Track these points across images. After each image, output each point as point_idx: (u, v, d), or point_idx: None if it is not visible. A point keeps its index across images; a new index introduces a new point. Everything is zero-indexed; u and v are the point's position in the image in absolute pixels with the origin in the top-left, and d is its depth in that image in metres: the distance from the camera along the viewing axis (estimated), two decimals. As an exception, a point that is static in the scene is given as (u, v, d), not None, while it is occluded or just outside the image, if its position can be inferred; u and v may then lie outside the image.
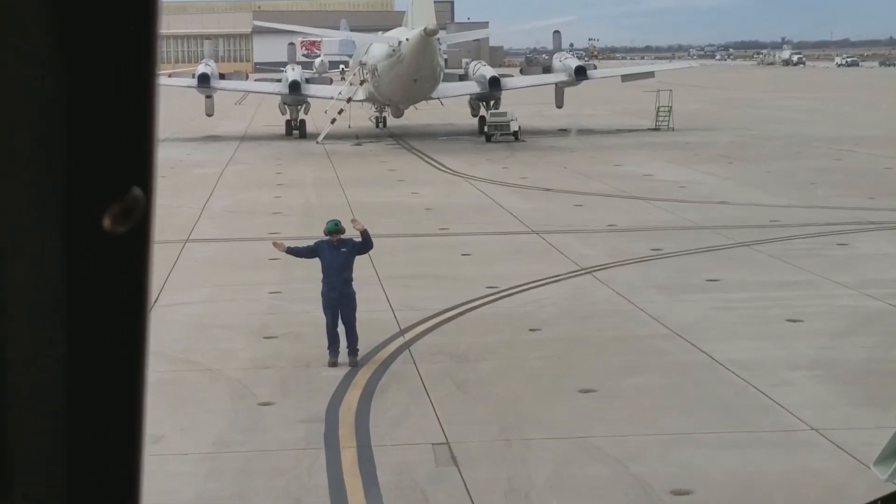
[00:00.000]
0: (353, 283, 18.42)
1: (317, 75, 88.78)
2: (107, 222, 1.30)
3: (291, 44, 77.72)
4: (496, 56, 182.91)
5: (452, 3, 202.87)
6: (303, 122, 62.11)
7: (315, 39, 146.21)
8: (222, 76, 65.93)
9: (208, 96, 63.59)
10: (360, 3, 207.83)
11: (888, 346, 18.81)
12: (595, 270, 24.98)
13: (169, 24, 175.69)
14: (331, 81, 73.51)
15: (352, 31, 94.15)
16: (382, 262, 24.03)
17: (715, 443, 14.24)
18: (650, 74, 70.18)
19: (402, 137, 61.06)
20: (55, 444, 1.36)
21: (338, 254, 18.26)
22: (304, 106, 62.47)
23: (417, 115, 65.63)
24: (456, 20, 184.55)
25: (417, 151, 53.82)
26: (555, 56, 67.70)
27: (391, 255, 25.42)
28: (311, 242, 19.08)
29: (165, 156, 48.39)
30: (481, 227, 31.13)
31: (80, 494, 1.39)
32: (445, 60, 65.56)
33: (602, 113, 76.12)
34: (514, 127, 57.70)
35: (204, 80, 62.37)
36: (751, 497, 12.84)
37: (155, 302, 20.83)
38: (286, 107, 62.78)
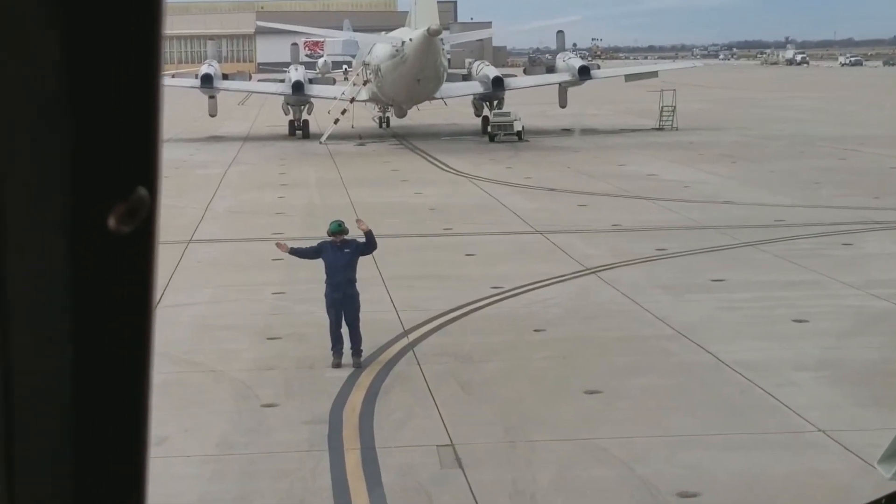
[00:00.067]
0: (357, 284, 18.36)
1: (320, 76, 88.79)
2: (112, 222, 1.30)
3: (294, 44, 77.84)
4: (499, 56, 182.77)
5: (455, 3, 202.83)
6: (306, 122, 62.07)
7: (318, 40, 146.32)
8: (225, 77, 65.89)
9: (211, 97, 63.54)
10: (364, 4, 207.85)
11: (895, 347, 18.73)
12: (599, 270, 24.90)
13: (172, 24, 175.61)
14: (334, 82, 73.58)
15: (355, 31, 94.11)
16: (386, 262, 23.96)
17: (721, 444, 14.16)
18: (654, 74, 70.06)
19: (406, 138, 60.99)
20: (60, 445, 1.36)
21: (341, 254, 18.19)
22: (307, 106, 62.44)
23: (421, 116, 65.58)
24: (459, 20, 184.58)
25: (421, 151, 53.76)
26: (558, 56, 67.63)
27: (395, 255, 25.36)
28: (315, 243, 19.02)
29: (168, 156, 48.23)
30: (485, 228, 31.06)
31: (86, 495, 1.39)
32: (449, 60, 65.53)
33: (606, 113, 76.04)
34: (517, 127, 57.62)
35: (207, 80, 62.34)
36: (758, 499, 12.77)
37: (158, 303, 20.76)
38: (289, 107, 62.73)
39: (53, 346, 1.33)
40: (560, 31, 70.74)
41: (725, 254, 26.79)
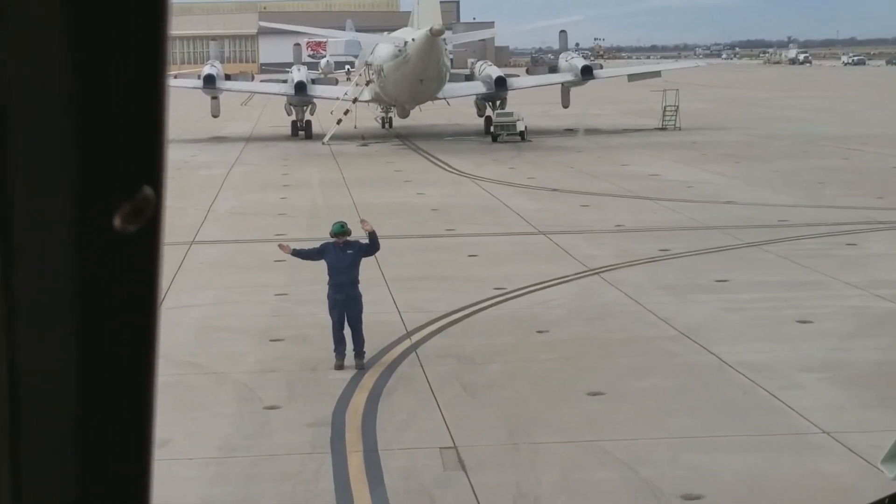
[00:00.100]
0: (360, 285, 18.31)
1: (322, 76, 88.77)
2: (117, 221, 1.30)
3: (297, 44, 77.96)
4: (502, 56, 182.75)
5: (458, 3, 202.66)
6: (309, 122, 62.04)
7: (321, 40, 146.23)
8: (228, 77, 65.91)
9: (214, 97, 63.53)
10: (366, 4, 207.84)
11: (899, 348, 18.66)
12: (603, 271, 24.84)
13: (174, 24, 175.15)
14: (336, 82, 73.50)
15: (357, 31, 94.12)
16: (389, 263, 23.90)
17: (725, 446, 14.11)
18: (657, 74, 69.99)
19: (408, 138, 60.95)
20: (66, 445, 1.36)
21: (344, 255, 18.15)
22: (309, 107, 62.41)
23: (423, 116, 65.55)
24: (461, 20, 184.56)
25: (423, 152, 53.71)
26: (561, 56, 67.63)
27: (397, 256, 25.29)
28: (318, 244, 18.98)
29: (171, 157, 47.98)
30: (488, 228, 31.02)
31: (91, 497, 1.39)
32: (451, 60, 65.51)
33: (608, 112, 75.96)
34: (520, 127, 57.56)
35: (209, 81, 62.32)
36: (762, 501, 12.72)
37: (161, 300, 20.71)
38: (292, 107, 62.72)
39: (59, 346, 1.33)
40: (563, 31, 70.80)
41: (729, 254, 26.73)
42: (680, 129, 62.09)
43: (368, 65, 61.80)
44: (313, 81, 64.87)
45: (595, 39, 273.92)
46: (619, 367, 17.55)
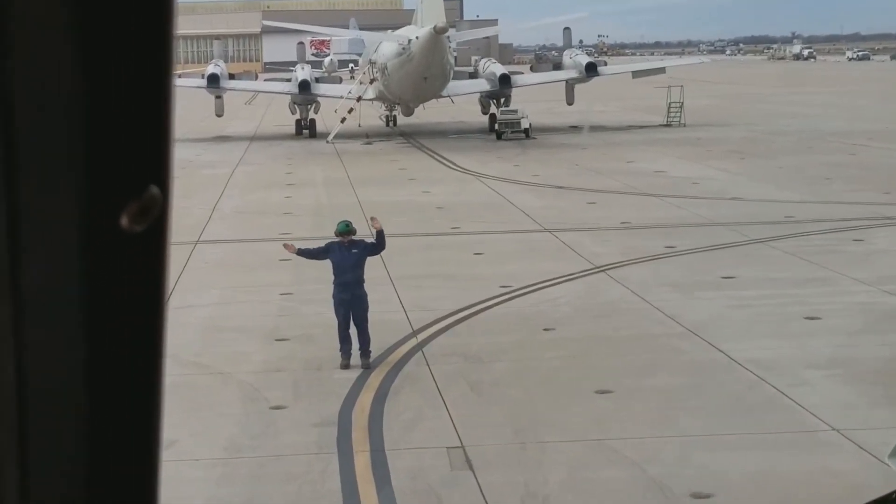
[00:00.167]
0: (365, 284, 18.24)
1: (326, 74, 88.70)
2: (124, 221, 1.30)
3: (301, 43, 77.64)
4: (505, 53, 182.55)
5: (461, 0, 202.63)
6: (313, 121, 61.95)
7: (324, 39, 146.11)
8: (232, 76, 65.80)
9: (218, 96, 63.47)
10: (370, 2, 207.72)
11: (908, 344, 18.56)
12: (609, 268, 24.75)
13: (179, 24, 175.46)
14: (340, 80, 73.42)
15: (361, 29, 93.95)
16: (394, 261, 23.82)
17: (734, 444, 14.01)
18: (661, 70, 69.85)
19: (413, 136, 60.87)
20: (74, 445, 1.36)
21: (349, 255, 18.07)
22: (314, 105, 62.33)
23: (427, 114, 65.45)
24: (465, 18, 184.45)
25: (428, 150, 53.63)
26: (565, 53, 67.48)
27: (403, 254, 25.21)
28: (323, 243, 18.91)
29: (175, 156, 47.86)
30: (493, 226, 30.93)
31: (99, 497, 1.39)
32: (455, 58, 65.37)
33: (613, 109, 75.83)
34: (524, 124, 57.45)
35: (213, 80, 62.23)
36: (772, 499, 12.63)
37: (167, 304, 20.64)
38: (296, 106, 62.65)
39: (66, 346, 1.33)
40: (567, 28, 70.64)
41: (735, 251, 26.62)
42: (685, 125, 61.98)
43: (372, 63, 61.72)
44: (317, 80, 64.80)
45: (599, 36, 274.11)
46: (627, 365, 17.47)
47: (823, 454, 13.77)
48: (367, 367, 17.63)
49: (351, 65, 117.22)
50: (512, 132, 57.19)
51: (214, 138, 61.71)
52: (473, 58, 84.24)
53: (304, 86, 60.83)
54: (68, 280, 1.31)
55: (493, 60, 67.63)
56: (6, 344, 1.31)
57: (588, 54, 73.02)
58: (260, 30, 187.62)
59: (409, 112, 62.00)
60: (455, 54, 66.58)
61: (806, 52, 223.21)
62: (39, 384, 1.33)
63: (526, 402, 15.79)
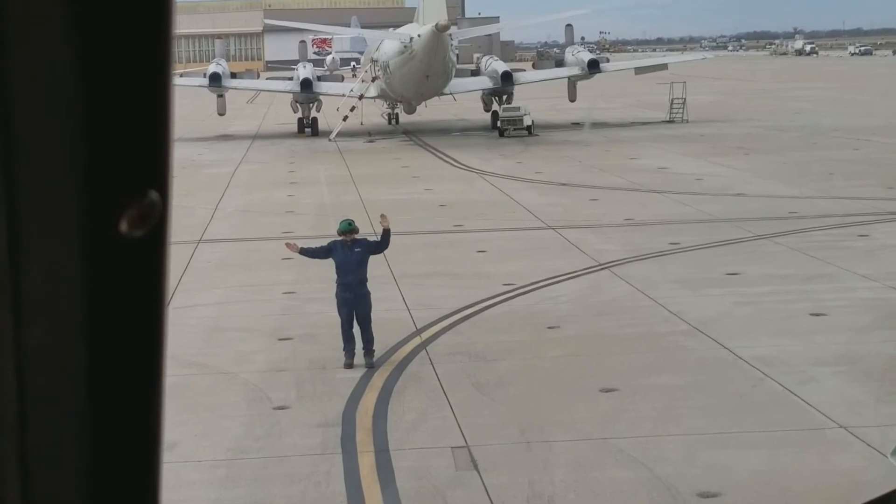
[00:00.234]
0: (368, 283, 18.13)
1: (328, 73, 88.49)
2: (124, 226, 1.31)
3: (302, 42, 77.60)
4: (507, 50, 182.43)
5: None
6: (315, 119, 61.86)
7: (326, 37, 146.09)
8: (234, 75, 65.70)
9: (220, 95, 63.39)
10: (371, 0, 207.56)
11: (915, 340, 18.43)
12: (613, 266, 24.63)
13: (180, 23, 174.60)
14: (342, 79, 73.25)
15: (363, 27, 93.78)
16: (397, 260, 23.71)
17: (741, 442, 13.89)
18: (663, 67, 69.80)
19: (415, 134, 60.77)
20: (74, 449, 1.37)
21: (352, 253, 17.96)
22: (316, 104, 62.25)
23: (430, 112, 65.31)
24: (466, 15, 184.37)
25: (431, 148, 53.52)
26: (567, 50, 67.36)
27: (406, 252, 25.10)
28: (325, 242, 18.79)
29: (177, 155, 47.38)
30: (496, 224, 30.81)
31: (100, 500, 1.39)
32: (457, 56, 65.24)
33: (615, 106, 75.71)
34: (527, 121, 57.31)
35: (215, 79, 62.14)
36: (781, 498, 12.50)
37: (168, 304, 20.54)
38: (298, 105, 62.59)
39: (66, 351, 1.33)
40: (569, 25, 70.45)
41: (740, 247, 26.49)
42: (688, 121, 61.83)
43: (374, 61, 61.61)
44: (319, 78, 64.66)
45: (601, 33, 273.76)
46: (632, 363, 17.35)
47: (832, 452, 13.64)
48: (371, 367, 17.52)
49: (353, 63, 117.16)
50: (514, 129, 57.06)
51: (216, 137, 61.65)
52: (475, 55, 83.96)
53: (306, 84, 60.74)
54: (68, 285, 1.31)
55: (495, 58, 67.44)
56: (6, 349, 1.31)
57: (590, 51, 72.82)
58: (262, 28, 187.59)
59: (411, 110, 61.88)
60: (457, 52, 66.44)
61: (808, 48, 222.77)
62: (40, 389, 1.33)
63: (531, 402, 15.68)
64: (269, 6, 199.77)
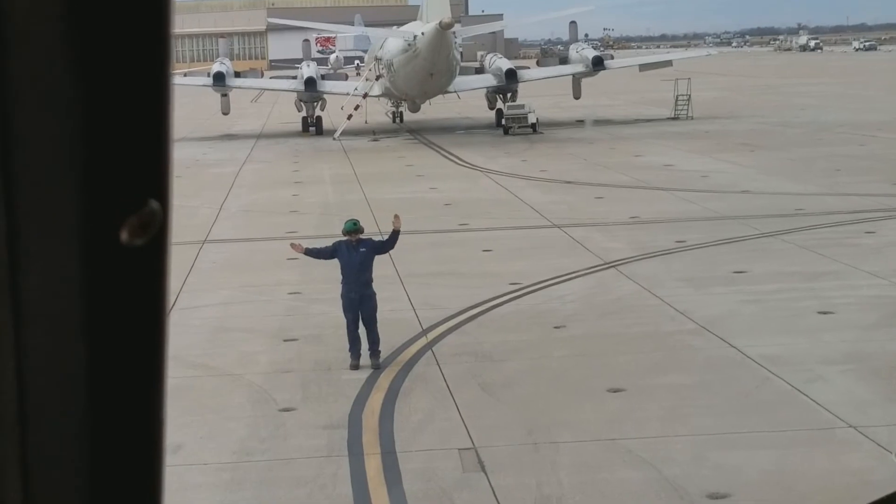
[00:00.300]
0: (374, 283, 18.04)
1: (332, 71, 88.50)
2: (124, 235, 1.31)
3: (306, 40, 77.65)
4: (511, 48, 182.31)
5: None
6: (319, 118, 61.82)
7: (330, 35, 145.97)
8: (237, 74, 65.69)
9: (224, 95, 63.36)
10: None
11: (924, 338, 18.32)
12: (619, 264, 24.54)
13: (183, 23, 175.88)
14: (346, 77, 73.21)
15: (366, 26, 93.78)
16: (402, 259, 23.62)
17: (750, 442, 13.79)
18: (668, 63, 69.63)
19: (420, 132, 60.69)
20: (75, 457, 1.36)
21: (357, 254, 17.88)
22: (320, 102, 62.21)
23: (434, 110, 65.23)
24: (470, 13, 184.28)
25: (435, 146, 53.43)
26: (572, 47, 67.22)
27: (411, 252, 25.00)
28: (330, 242, 18.71)
29: (182, 155, 48.18)
30: (502, 222, 30.71)
31: (100, 502, 1.39)
32: (461, 54, 65.16)
33: (620, 103, 75.59)
34: (531, 119, 57.21)
35: (219, 78, 62.14)
36: (791, 498, 12.41)
37: (173, 305, 20.50)
38: (302, 104, 62.55)
39: (67, 360, 1.33)
40: (573, 22, 70.41)
41: (746, 244, 26.38)
42: (692, 118, 61.70)
43: (378, 60, 61.55)
44: (323, 77, 64.62)
45: (604, 30, 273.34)
46: (639, 363, 17.25)
47: (842, 451, 13.54)
48: (377, 368, 17.44)
49: (357, 61, 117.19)
50: (519, 127, 56.97)
51: (221, 136, 61.61)
52: (479, 53, 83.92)
53: (310, 83, 60.69)
54: (68, 295, 1.31)
55: (499, 55, 67.35)
56: (6, 351, 1.31)
57: (594, 48, 72.71)
58: (265, 27, 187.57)
59: (415, 108, 61.79)
60: (461, 50, 66.37)
61: (812, 43, 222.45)
62: (41, 397, 1.33)
63: (538, 402, 15.59)
64: (273, 5, 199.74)
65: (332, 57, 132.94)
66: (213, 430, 14.97)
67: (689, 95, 62.94)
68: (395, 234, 18.05)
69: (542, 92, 67.80)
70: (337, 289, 18.28)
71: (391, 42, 58.84)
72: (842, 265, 23.53)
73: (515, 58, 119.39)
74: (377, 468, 13.45)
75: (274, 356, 18.42)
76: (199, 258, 26.80)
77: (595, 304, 21.21)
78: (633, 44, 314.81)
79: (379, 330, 17.73)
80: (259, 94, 70.10)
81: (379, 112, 65.34)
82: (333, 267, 18.51)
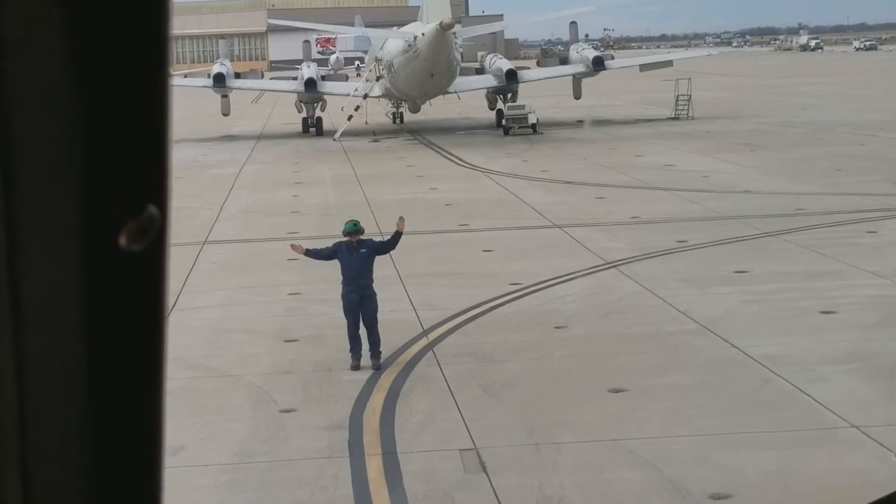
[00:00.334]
0: (374, 283, 18.00)
1: (332, 72, 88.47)
2: (122, 240, 1.31)
3: (306, 41, 77.56)
4: (511, 48, 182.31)
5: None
6: (319, 119, 61.80)
7: (330, 36, 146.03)
8: (238, 75, 65.65)
9: (224, 96, 63.34)
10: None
11: (926, 337, 18.28)
12: (620, 264, 24.50)
13: (184, 24, 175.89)
14: (346, 78, 73.20)
15: (367, 26, 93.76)
16: (403, 260, 23.59)
17: (752, 443, 13.75)
18: (668, 63, 69.59)
19: (420, 133, 60.65)
20: (74, 460, 1.37)
21: (357, 254, 17.85)
22: (320, 103, 62.19)
23: (434, 110, 65.20)
24: (470, 14, 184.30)
25: (436, 147, 53.40)
26: (572, 47, 67.18)
27: (412, 252, 24.94)
28: (331, 243, 18.68)
29: (182, 157, 48.18)
30: (503, 223, 30.68)
31: (100, 502, 1.40)
32: (461, 54, 65.11)
33: (620, 103, 75.55)
34: (532, 119, 57.19)
35: (219, 79, 62.12)
36: (793, 499, 12.38)
37: (173, 306, 20.48)
38: (302, 104, 62.53)
39: (66, 364, 1.33)
40: (573, 22, 70.31)
41: (747, 244, 26.34)
42: (693, 118, 61.67)
43: (378, 60, 61.54)
44: (323, 78, 64.60)
45: (605, 30, 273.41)
46: (641, 363, 17.22)
47: (844, 452, 13.50)
48: (378, 368, 17.40)
49: (357, 62, 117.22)
50: (519, 127, 56.94)
51: (221, 137, 61.58)
52: (479, 53, 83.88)
53: (311, 84, 60.68)
54: (68, 295, 1.31)
55: (500, 56, 67.31)
56: (7, 360, 1.31)
57: (594, 48, 72.68)
58: (265, 28, 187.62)
59: (415, 109, 61.75)
60: (461, 50, 66.32)
61: (813, 43, 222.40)
62: (40, 400, 1.33)
63: (539, 403, 15.55)
64: (273, 6, 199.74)
65: (333, 58, 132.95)
66: (213, 432, 14.94)
67: (690, 95, 62.90)
68: (396, 236, 18.02)
69: (542, 92, 67.77)
70: (337, 289, 18.25)
71: (391, 43, 58.82)
72: (843, 265, 23.49)
73: (516, 58, 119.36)
74: (378, 469, 13.42)
75: (274, 357, 18.39)
76: (200, 259, 26.78)
77: (596, 304, 21.18)
78: (633, 44, 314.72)
79: (379, 330, 17.70)
80: (259, 95, 70.10)
81: (379, 113, 65.32)
82: (333, 267, 18.48)
